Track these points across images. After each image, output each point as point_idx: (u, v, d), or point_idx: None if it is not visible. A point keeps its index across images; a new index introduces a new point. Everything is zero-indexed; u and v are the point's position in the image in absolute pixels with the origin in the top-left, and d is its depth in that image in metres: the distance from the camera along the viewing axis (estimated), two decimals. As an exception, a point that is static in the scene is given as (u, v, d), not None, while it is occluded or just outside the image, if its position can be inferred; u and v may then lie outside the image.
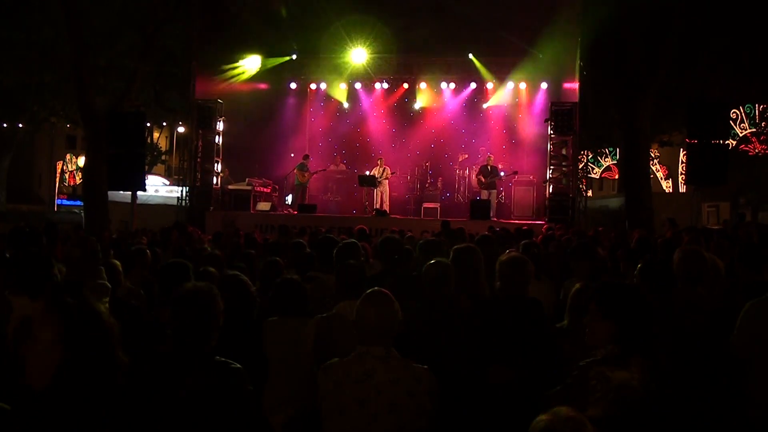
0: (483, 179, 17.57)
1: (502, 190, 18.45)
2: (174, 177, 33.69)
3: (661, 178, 35.98)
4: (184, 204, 17.85)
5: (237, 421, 2.76)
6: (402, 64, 19.72)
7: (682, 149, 30.29)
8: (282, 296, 4.25)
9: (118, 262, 5.43)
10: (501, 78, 19.33)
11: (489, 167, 17.57)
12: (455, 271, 4.26)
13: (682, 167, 32.61)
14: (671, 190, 34.92)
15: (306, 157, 19.12)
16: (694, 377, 3.04)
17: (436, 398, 3.01)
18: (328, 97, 20.98)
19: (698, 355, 3.43)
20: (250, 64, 18.94)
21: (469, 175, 18.96)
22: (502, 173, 17.76)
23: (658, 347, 2.89)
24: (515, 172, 17.78)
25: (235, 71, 18.61)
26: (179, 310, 2.80)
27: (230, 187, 18.06)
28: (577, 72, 16.22)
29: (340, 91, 20.71)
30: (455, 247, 4.97)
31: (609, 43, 16.88)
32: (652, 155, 30.34)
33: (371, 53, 18.72)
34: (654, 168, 33.39)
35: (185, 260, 6.07)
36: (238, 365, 2.83)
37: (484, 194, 17.45)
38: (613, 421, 2.31)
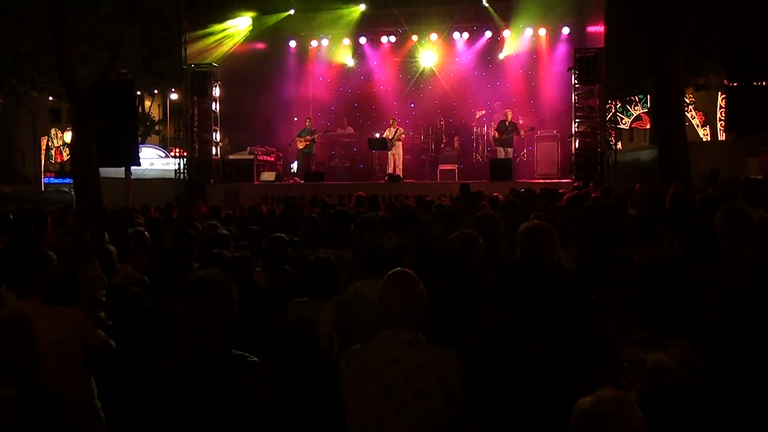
0: (498, 135, 17.55)
1: (530, 149, 18.33)
2: (170, 148, 33.71)
3: (698, 126, 35.58)
4: (182, 177, 17.89)
5: (254, 417, 2.81)
6: (409, 14, 19.54)
7: (720, 93, 29.90)
8: (313, 277, 4.31)
9: (113, 248, 5.46)
10: (518, 24, 19.14)
11: (507, 123, 17.52)
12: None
13: (721, 113, 32.24)
14: (709, 139, 34.55)
15: (307, 120, 19.13)
16: (747, 350, 3.03)
17: (466, 383, 3.03)
18: (331, 56, 20.86)
19: (749, 324, 3.42)
20: (244, 23, 18.82)
21: (487, 132, 18.86)
22: (522, 131, 17.67)
23: (703, 321, 2.89)
24: (532, 128, 17.68)
25: (229, 31, 18.49)
26: (192, 302, 2.82)
27: (231, 157, 18.07)
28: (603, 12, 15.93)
29: (343, 48, 20.58)
30: (475, 216, 4.98)
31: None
32: (687, 101, 29.95)
33: (374, 4, 18.56)
34: (689, 115, 32.98)
35: (188, 242, 6.17)
36: (256, 359, 2.87)
37: (501, 152, 17.43)
38: (649, 406, 2.32)
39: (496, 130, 17.81)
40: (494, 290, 4.12)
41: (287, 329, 4.20)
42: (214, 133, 17.77)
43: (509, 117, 17.67)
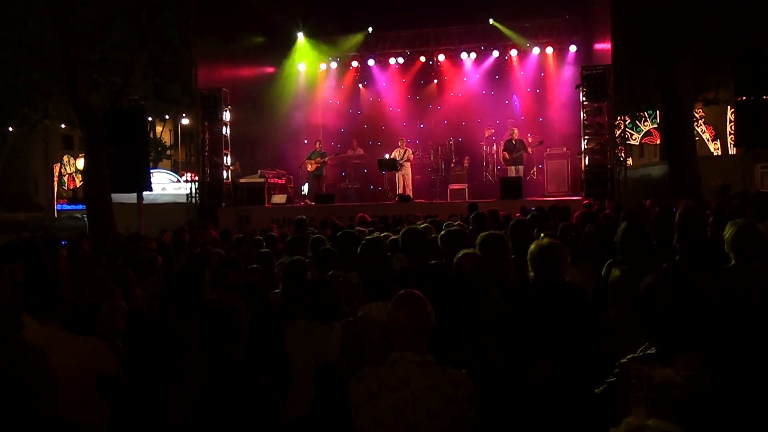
0: (507, 155, 17.58)
1: (540, 166, 18.31)
2: (181, 172, 33.89)
3: (708, 140, 35.43)
4: (194, 201, 17.97)
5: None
6: (417, 35, 19.68)
7: (729, 107, 29.81)
8: (310, 300, 4.31)
9: (132, 273, 5.54)
10: (525, 43, 19.25)
11: (514, 141, 17.57)
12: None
13: (731, 127, 32.11)
14: (720, 153, 34.40)
15: (317, 143, 19.25)
16: (755, 365, 3.01)
17: (476, 403, 3.04)
18: (339, 78, 21.03)
19: (757, 338, 3.41)
20: (254, 48, 19.05)
21: (497, 151, 18.91)
22: (529, 148, 17.68)
23: (710, 337, 2.89)
24: (541, 142, 17.68)
25: (239, 56, 18.69)
26: (204, 326, 2.87)
27: (242, 180, 18.14)
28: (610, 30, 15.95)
29: (351, 71, 20.77)
30: (481, 235, 4.98)
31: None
32: (696, 115, 29.85)
33: (383, 26, 18.70)
34: (699, 129, 32.87)
35: (198, 265, 6.22)
36: (267, 380, 2.89)
37: (512, 171, 17.45)
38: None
39: (504, 150, 17.83)
40: (499, 309, 4.12)
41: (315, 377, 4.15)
42: (224, 157, 17.85)
43: (516, 135, 17.70)
